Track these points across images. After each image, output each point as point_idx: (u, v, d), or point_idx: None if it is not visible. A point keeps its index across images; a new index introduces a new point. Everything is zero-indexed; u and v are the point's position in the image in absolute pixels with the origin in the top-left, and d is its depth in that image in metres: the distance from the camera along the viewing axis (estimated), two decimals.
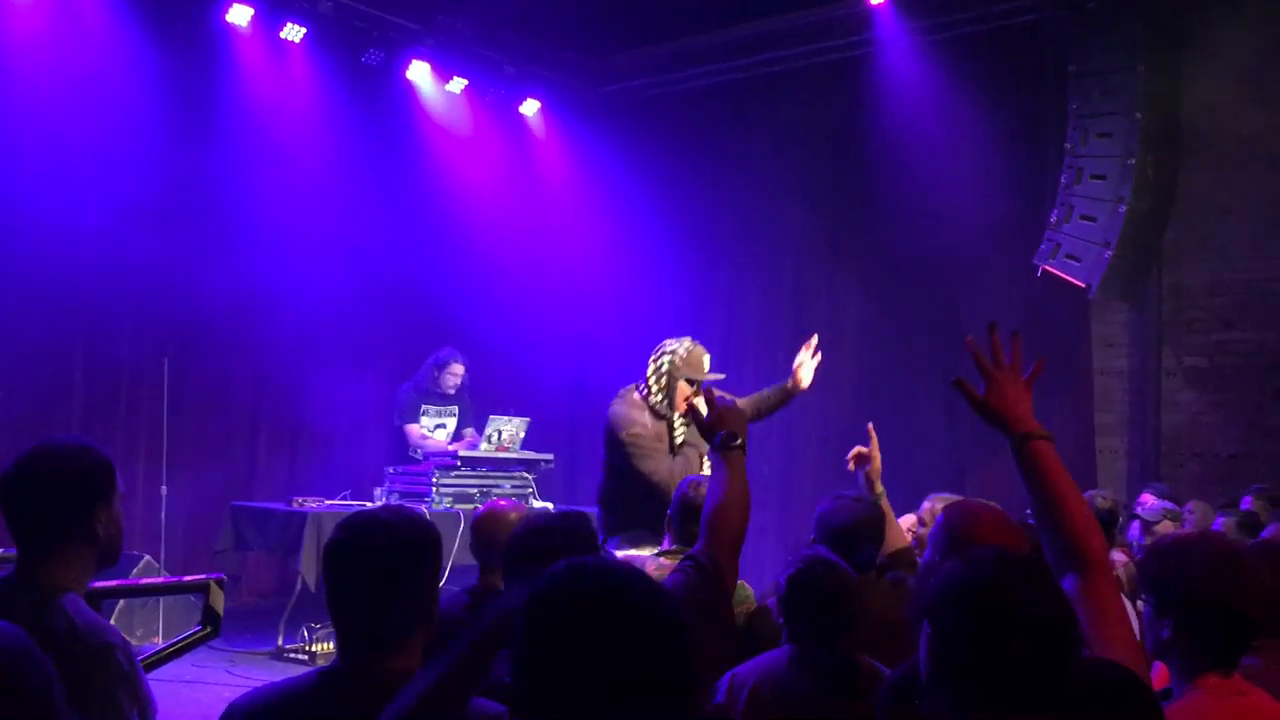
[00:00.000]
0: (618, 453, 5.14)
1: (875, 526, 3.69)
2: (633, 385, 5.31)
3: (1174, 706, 2.17)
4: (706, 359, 5.25)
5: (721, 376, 5.36)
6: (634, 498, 5.11)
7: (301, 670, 6.56)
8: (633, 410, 5.17)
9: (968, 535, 2.70)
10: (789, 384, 5.43)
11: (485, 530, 3.44)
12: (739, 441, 2.68)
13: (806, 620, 2.92)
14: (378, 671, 1.97)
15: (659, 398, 5.17)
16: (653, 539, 5.13)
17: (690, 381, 5.15)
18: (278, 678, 6.41)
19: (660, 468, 5.05)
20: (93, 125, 7.55)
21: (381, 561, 2.00)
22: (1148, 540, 5.51)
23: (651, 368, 5.23)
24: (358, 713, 1.89)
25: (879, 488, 4.03)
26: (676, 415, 5.19)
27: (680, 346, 5.21)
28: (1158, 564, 2.35)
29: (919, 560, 3.52)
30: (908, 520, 4.70)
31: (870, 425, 4.26)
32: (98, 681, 2.21)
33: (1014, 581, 1.61)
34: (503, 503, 3.59)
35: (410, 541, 2.05)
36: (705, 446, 5.08)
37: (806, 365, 5.40)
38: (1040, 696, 1.58)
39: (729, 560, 2.51)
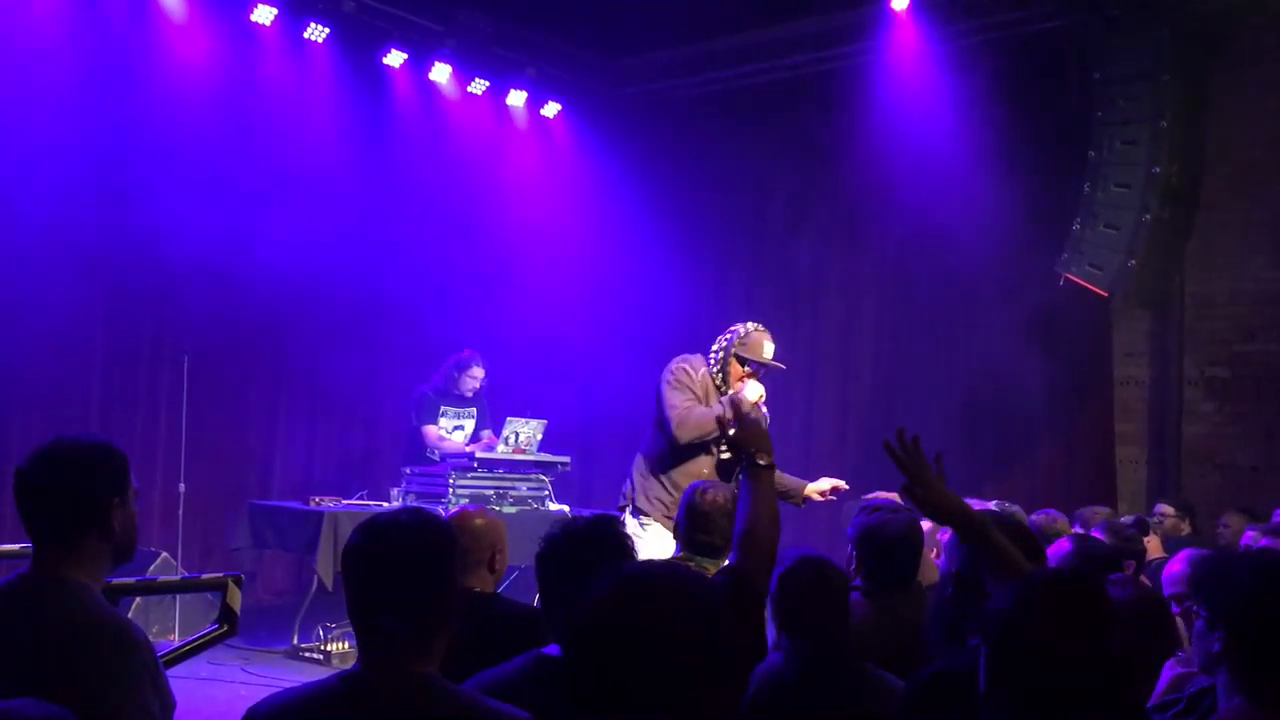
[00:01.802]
0: (660, 383, 5.35)
1: (911, 539, 3.65)
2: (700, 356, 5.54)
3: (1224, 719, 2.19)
4: (768, 346, 5.40)
5: (781, 367, 5.53)
6: (658, 433, 5.37)
7: (317, 669, 6.59)
8: (696, 359, 5.42)
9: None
10: (798, 494, 5.47)
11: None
12: (765, 462, 2.81)
13: (798, 618, 2.91)
14: (398, 675, 1.97)
15: (715, 369, 5.38)
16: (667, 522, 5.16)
17: (741, 361, 5.34)
18: (293, 676, 6.43)
19: (679, 402, 5.24)
20: (113, 125, 7.58)
21: (401, 565, 2.00)
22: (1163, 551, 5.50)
23: (716, 344, 5.46)
24: (379, 714, 1.89)
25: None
26: (728, 393, 5.32)
27: (743, 327, 5.44)
28: (1210, 577, 2.35)
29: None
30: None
31: (887, 443, 4.21)
32: (123, 674, 2.21)
33: (1061, 606, 1.89)
34: (471, 508, 3.68)
35: (430, 544, 2.05)
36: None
37: (816, 496, 5.46)
38: (1092, 698, 1.83)
39: (764, 576, 2.63)
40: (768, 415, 5.40)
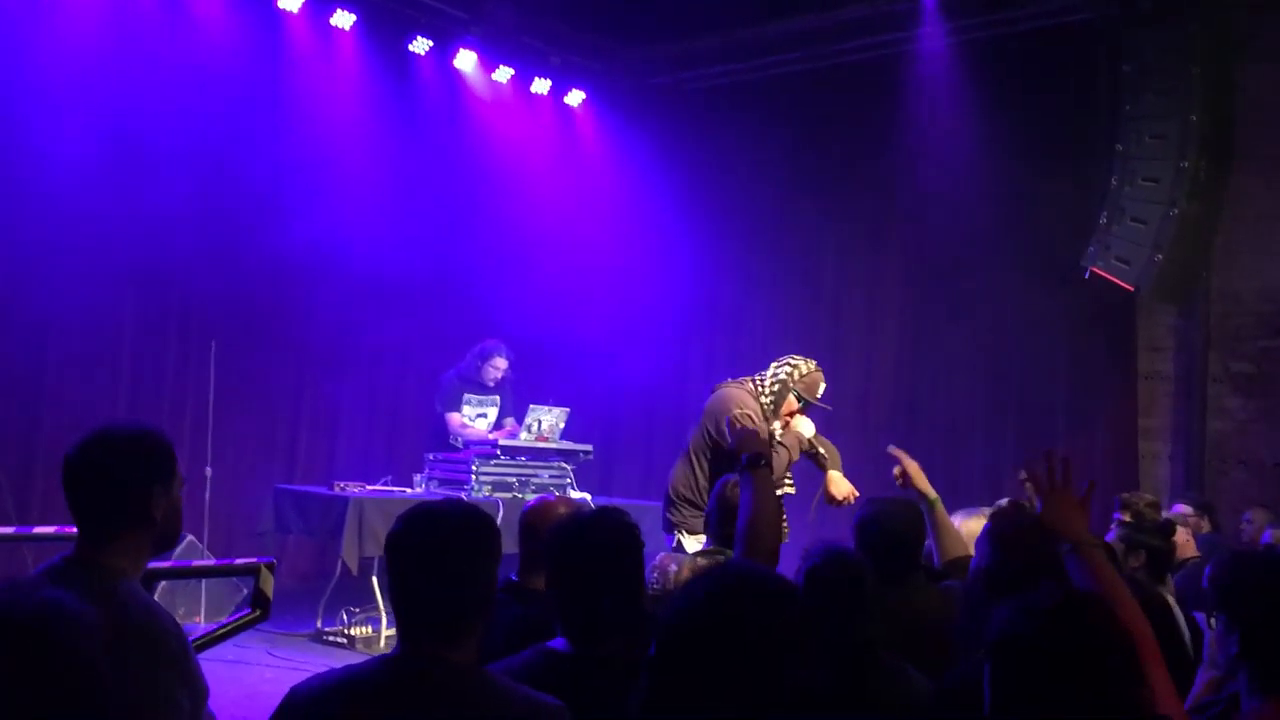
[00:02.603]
0: (717, 430, 5.26)
1: (914, 528, 3.65)
2: (748, 377, 5.53)
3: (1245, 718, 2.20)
4: (823, 386, 5.48)
5: (828, 408, 5.58)
6: (699, 458, 5.35)
7: (341, 653, 6.62)
8: (746, 396, 5.39)
9: (1014, 541, 2.74)
10: (828, 464, 5.56)
11: (532, 526, 3.30)
12: (764, 461, 2.87)
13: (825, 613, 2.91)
14: (437, 661, 2.01)
15: (768, 400, 5.39)
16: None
17: (797, 398, 5.39)
18: (317, 660, 6.46)
19: None
20: (135, 107, 7.62)
21: (446, 553, 2.04)
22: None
23: (771, 371, 5.47)
24: (418, 700, 1.93)
25: (931, 494, 3.99)
26: (777, 425, 5.38)
27: (804, 364, 5.47)
28: (1225, 579, 2.36)
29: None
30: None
31: (890, 447, 4.25)
32: (150, 665, 2.22)
33: (1058, 630, 1.83)
34: (553, 497, 3.48)
35: (474, 534, 2.09)
36: (797, 452, 5.26)
37: (835, 497, 5.49)
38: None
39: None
40: (828, 450, 5.54)
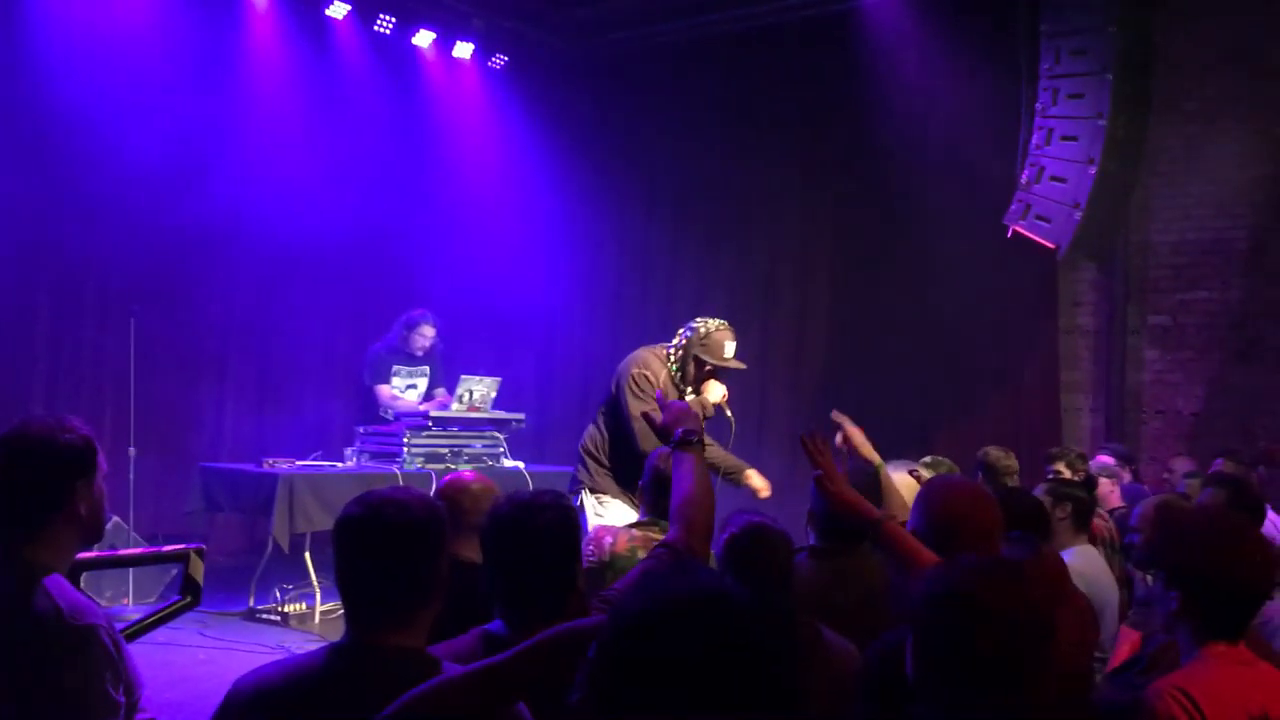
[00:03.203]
0: (621, 390, 5.25)
1: (870, 494, 3.67)
2: (664, 344, 5.45)
3: (1182, 674, 2.28)
4: (729, 345, 5.31)
5: (742, 367, 5.44)
6: (616, 441, 5.28)
7: (275, 631, 6.52)
8: (653, 359, 5.32)
9: (947, 510, 2.81)
10: (746, 478, 5.45)
11: (449, 499, 3.31)
12: (698, 438, 2.81)
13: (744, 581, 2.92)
14: (386, 647, 2.01)
15: (674, 367, 5.33)
16: (626, 499, 5.19)
17: (700, 363, 5.27)
18: (250, 639, 6.35)
19: (641, 414, 5.12)
20: (48, 79, 7.38)
21: (395, 538, 2.04)
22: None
23: (677, 338, 5.38)
24: (368, 688, 1.91)
25: (876, 459, 4.05)
26: (688, 389, 5.30)
27: (704, 325, 5.35)
28: (1165, 539, 2.43)
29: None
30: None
31: (834, 413, 4.28)
32: (81, 663, 2.20)
33: (984, 584, 1.88)
34: (467, 473, 3.51)
35: (422, 520, 2.09)
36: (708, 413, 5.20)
37: (758, 487, 5.44)
38: (1011, 684, 1.83)
39: (702, 547, 2.61)
40: (733, 417, 5.42)
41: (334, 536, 2.09)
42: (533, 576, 2.34)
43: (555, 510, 2.43)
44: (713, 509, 2.67)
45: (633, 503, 5.16)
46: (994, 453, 5.41)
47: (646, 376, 5.20)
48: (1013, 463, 5.39)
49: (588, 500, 5.29)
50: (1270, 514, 5.15)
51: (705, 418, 5.23)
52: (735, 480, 5.45)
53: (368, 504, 2.09)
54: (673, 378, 5.31)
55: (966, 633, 1.83)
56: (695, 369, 5.31)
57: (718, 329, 5.32)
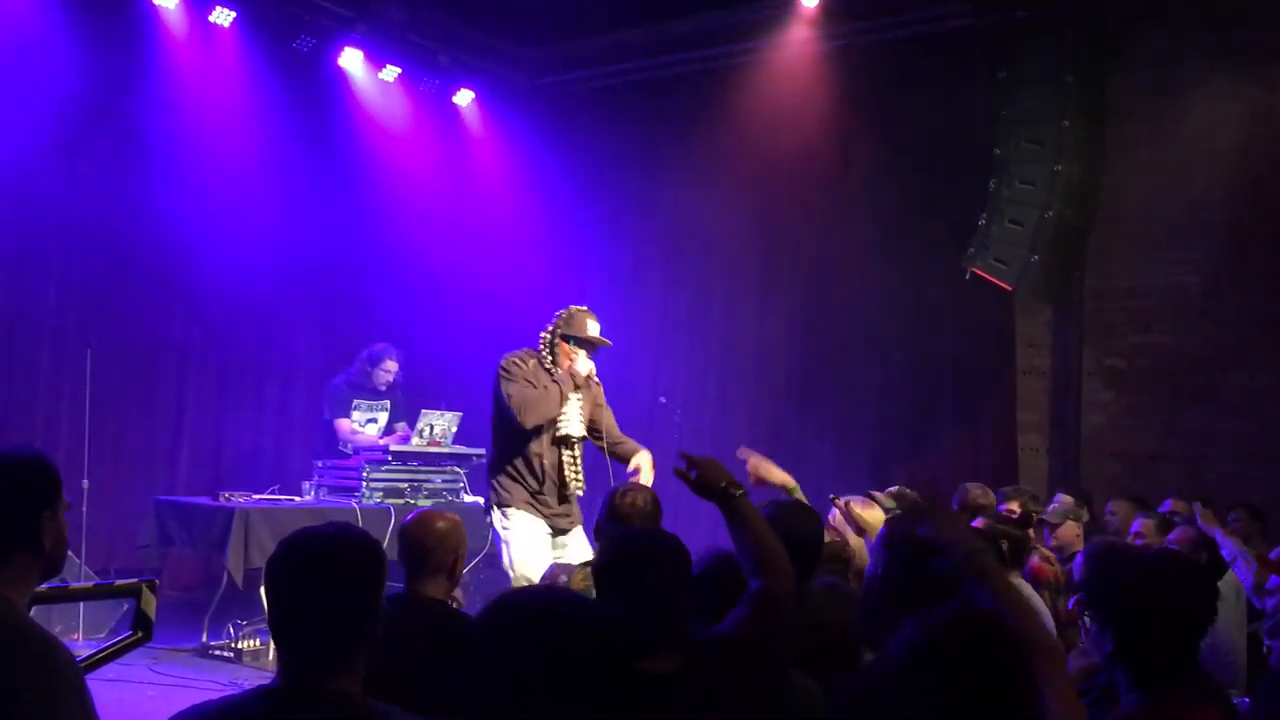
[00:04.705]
0: (496, 384, 5.67)
1: (810, 528, 3.66)
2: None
3: (1122, 717, 2.25)
4: (592, 324, 5.79)
5: (608, 344, 5.88)
6: (502, 433, 5.68)
7: (228, 667, 6.42)
8: (524, 352, 5.76)
9: (912, 544, 2.78)
10: (627, 459, 5.72)
11: (415, 538, 3.27)
12: (739, 492, 2.72)
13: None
14: (320, 690, 1.95)
15: (544, 352, 5.76)
16: (530, 508, 5.54)
17: (566, 339, 5.72)
18: (203, 675, 6.25)
19: (515, 390, 5.57)
20: (9, 104, 7.33)
21: (324, 580, 1.98)
22: (1053, 543, 5.67)
23: (544, 330, 5.84)
24: None
25: (790, 483, 4.10)
26: (559, 371, 5.70)
27: (566, 311, 5.84)
28: (1098, 581, 2.42)
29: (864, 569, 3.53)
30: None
31: (740, 450, 4.40)
32: (52, 693, 2.16)
33: (968, 649, 1.81)
34: (432, 511, 3.42)
35: (355, 559, 2.04)
36: (569, 388, 5.64)
37: (643, 470, 5.61)
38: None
39: (791, 590, 2.65)
40: (599, 382, 5.87)
41: (265, 577, 2.04)
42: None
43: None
44: (785, 553, 2.68)
45: (534, 509, 5.58)
46: (974, 491, 5.50)
47: (515, 362, 5.65)
48: (991, 500, 5.47)
49: (495, 517, 5.63)
50: (1239, 550, 5.23)
51: (576, 386, 5.69)
52: (622, 459, 5.77)
53: (295, 541, 2.04)
54: (542, 362, 5.71)
55: (948, 697, 1.77)
56: (565, 349, 5.75)
57: (579, 311, 5.82)
